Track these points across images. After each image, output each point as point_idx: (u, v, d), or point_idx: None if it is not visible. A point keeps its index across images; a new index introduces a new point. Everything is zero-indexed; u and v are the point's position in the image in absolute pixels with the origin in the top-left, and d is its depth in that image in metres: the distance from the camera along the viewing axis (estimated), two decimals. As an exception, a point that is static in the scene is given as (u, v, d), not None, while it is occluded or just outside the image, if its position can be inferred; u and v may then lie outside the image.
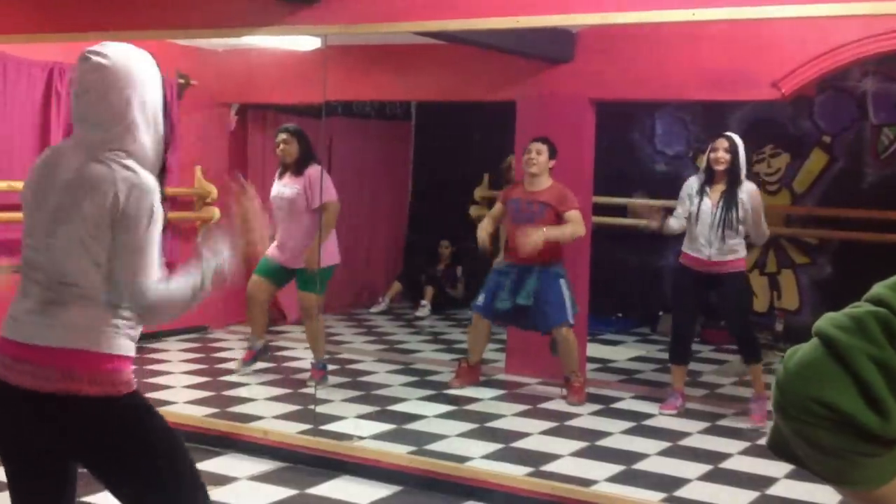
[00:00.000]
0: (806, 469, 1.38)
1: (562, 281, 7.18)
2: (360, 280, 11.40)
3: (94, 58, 2.79)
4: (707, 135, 10.34)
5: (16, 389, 2.77)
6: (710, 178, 6.95)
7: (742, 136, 10.01)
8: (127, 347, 2.83)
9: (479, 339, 7.62)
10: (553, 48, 7.58)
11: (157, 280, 2.76)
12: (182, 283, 2.79)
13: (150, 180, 2.76)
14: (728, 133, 7.10)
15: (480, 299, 7.44)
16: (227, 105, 9.75)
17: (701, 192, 6.95)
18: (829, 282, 9.79)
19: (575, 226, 7.11)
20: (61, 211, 2.77)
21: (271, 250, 7.33)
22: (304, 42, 7.73)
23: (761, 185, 9.91)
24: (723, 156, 6.86)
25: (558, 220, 7.14)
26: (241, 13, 6.06)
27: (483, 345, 7.69)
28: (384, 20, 5.59)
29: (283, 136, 7.47)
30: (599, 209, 9.40)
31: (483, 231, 7.50)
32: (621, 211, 10.34)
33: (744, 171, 6.90)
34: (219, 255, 2.86)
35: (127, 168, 2.75)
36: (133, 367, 2.86)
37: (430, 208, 11.62)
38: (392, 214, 11.81)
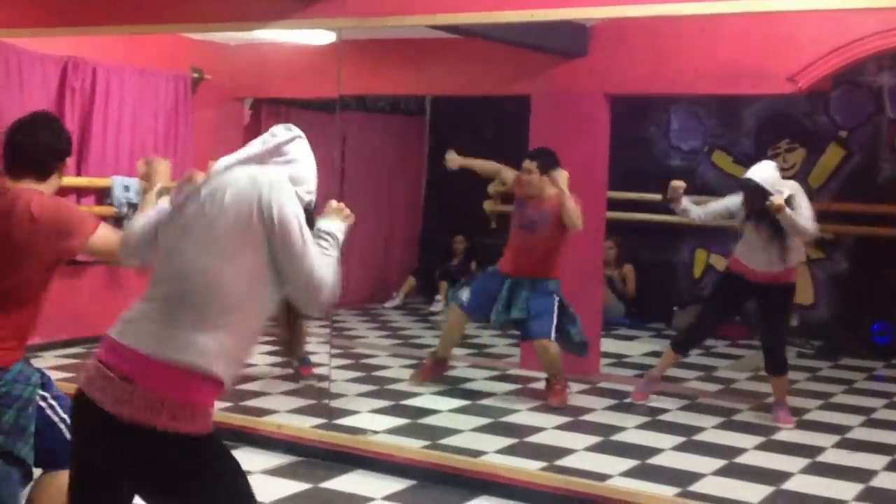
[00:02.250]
0: None
1: (554, 297, 7.03)
2: (375, 275, 11.40)
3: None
4: (722, 129, 10.35)
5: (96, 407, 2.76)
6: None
7: (757, 131, 10.12)
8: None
9: (454, 334, 7.50)
10: (567, 42, 7.56)
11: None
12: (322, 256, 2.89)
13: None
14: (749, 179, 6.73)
15: (465, 296, 7.33)
16: (240, 99, 9.76)
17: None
18: (845, 277, 9.74)
19: (575, 211, 6.90)
20: None
21: None
22: (318, 36, 7.72)
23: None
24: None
25: (560, 232, 7.03)
26: (253, 7, 6.07)
27: (456, 341, 7.58)
28: (397, 13, 5.58)
29: None
30: (614, 204, 9.38)
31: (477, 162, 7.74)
32: (636, 206, 10.34)
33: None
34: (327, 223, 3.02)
35: None
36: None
37: (445, 203, 11.60)
38: (406, 210, 11.80)
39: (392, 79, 8.91)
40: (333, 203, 3.10)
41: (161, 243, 2.94)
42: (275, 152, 2.95)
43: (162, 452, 2.74)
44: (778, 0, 4.97)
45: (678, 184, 7.00)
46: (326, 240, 2.95)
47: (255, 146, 2.99)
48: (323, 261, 2.85)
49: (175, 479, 2.77)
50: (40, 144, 3.76)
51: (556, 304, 7.02)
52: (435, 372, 7.55)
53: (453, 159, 7.75)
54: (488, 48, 7.59)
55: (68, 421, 3.54)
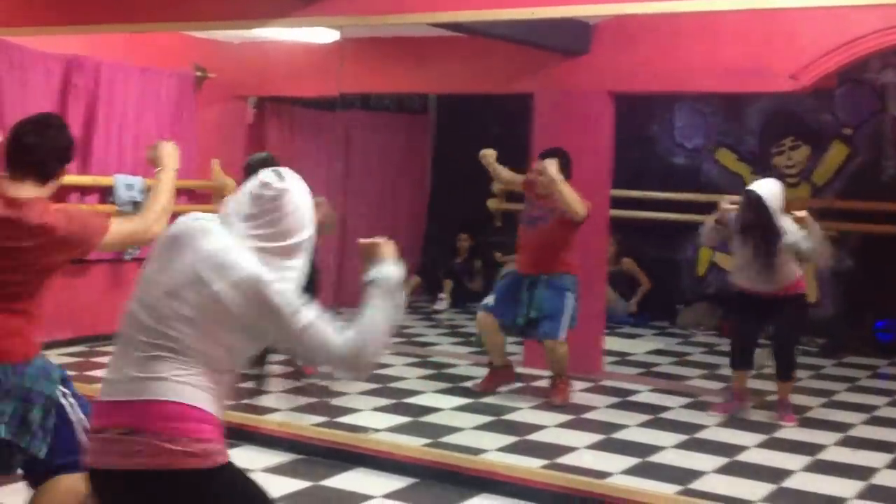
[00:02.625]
0: None
1: (568, 294, 6.97)
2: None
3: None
4: (727, 127, 10.33)
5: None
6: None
7: (762, 129, 10.11)
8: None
9: (494, 338, 7.32)
10: (570, 40, 7.56)
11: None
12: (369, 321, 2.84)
13: None
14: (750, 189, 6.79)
15: (491, 300, 7.31)
16: (244, 98, 9.76)
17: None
18: (849, 274, 9.71)
19: (571, 195, 6.81)
20: None
21: None
22: (321, 34, 7.72)
23: (781, 177, 9.89)
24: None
25: (562, 226, 6.96)
26: (255, 5, 6.07)
27: (500, 343, 7.36)
28: (398, 11, 5.58)
29: None
30: (618, 202, 9.37)
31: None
32: (640, 204, 10.33)
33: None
34: (381, 270, 3.00)
35: None
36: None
37: (449, 201, 11.59)
38: (411, 208, 11.79)
39: (395, 77, 8.90)
40: (376, 242, 3.12)
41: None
42: (265, 214, 2.87)
43: (185, 492, 2.74)
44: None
45: (727, 206, 6.90)
46: (378, 292, 2.91)
47: (246, 206, 2.89)
48: (362, 329, 2.82)
49: None
50: (47, 146, 3.75)
51: (570, 302, 6.97)
52: (500, 380, 7.39)
53: (488, 153, 7.61)
54: (491, 46, 7.59)
55: (85, 422, 3.55)
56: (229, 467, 2.82)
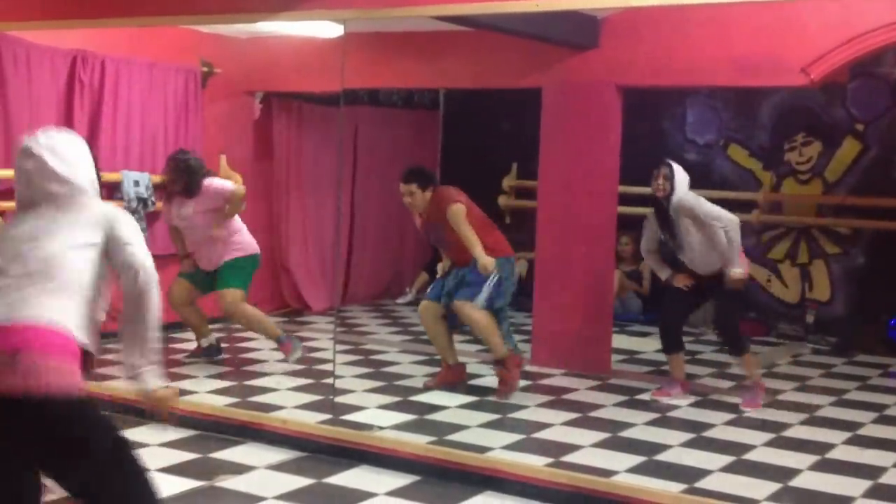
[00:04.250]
0: None
1: (491, 276, 6.91)
2: (388, 271, 11.36)
3: None
4: (738, 123, 10.26)
5: None
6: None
7: (774, 124, 10.01)
8: None
9: (434, 328, 7.25)
10: (578, 34, 7.50)
11: None
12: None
13: None
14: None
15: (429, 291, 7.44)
16: (251, 93, 9.73)
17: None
18: (862, 272, 9.63)
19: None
20: None
21: (189, 266, 7.69)
22: (328, 29, 7.68)
23: (793, 173, 9.83)
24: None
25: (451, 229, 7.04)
26: (259, -2, 6.04)
27: (443, 331, 7.26)
28: (401, 4, 5.54)
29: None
30: (629, 199, 9.30)
31: None
32: (648, 201, 10.24)
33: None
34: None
35: None
36: None
37: (458, 198, 11.53)
38: (419, 204, 11.74)
39: (402, 72, 8.86)
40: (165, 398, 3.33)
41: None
42: None
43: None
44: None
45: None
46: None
47: None
48: None
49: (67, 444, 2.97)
50: None
51: (493, 280, 6.90)
52: (448, 379, 7.32)
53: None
54: (498, 41, 7.53)
55: None
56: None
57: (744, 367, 7.15)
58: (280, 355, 7.74)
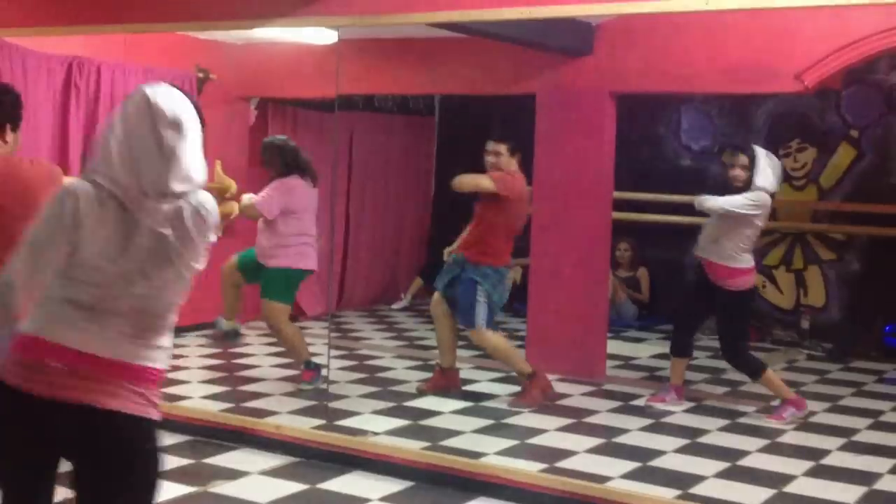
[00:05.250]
0: None
1: (478, 287, 6.89)
2: (383, 276, 11.35)
3: None
4: (733, 129, 10.27)
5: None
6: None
7: (768, 131, 10.02)
8: None
9: (443, 327, 7.24)
10: (571, 41, 7.51)
11: None
12: None
13: None
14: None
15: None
16: (246, 99, 9.73)
17: None
18: (857, 278, 9.65)
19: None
20: None
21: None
22: (324, 36, 7.69)
23: (788, 179, 9.83)
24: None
25: (490, 207, 6.97)
26: (254, 5, 6.03)
27: (450, 335, 7.26)
28: (395, 11, 5.54)
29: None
30: (625, 205, 9.33)
31: None
32: (644, 207, 10.27)
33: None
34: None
35: None
36: None
37: (454, 203, 11.51)
38: (415, 210, 11.76)
39: (397, 78, 8.86)
40: None
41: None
42: None
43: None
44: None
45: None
46: None
47: None
48: None
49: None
50: None
51: (481, 292, 6.89)
52: (443, 383, 7.29)
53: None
54: (492, 47, 7.54)
55: None
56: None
57: (768, 388, 6.96)
58: (274, 360, 7.76)
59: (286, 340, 7.40)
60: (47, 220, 2.79)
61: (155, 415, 2.85)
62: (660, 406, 7.05)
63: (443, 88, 9.61)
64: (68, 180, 3.84)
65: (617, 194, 8.24)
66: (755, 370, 6.90)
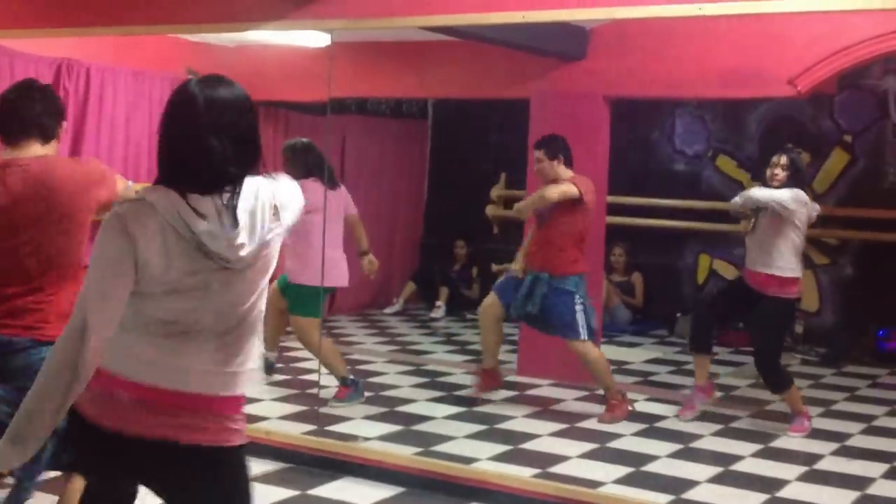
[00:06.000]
0: None
1: (572, 295, 6.74)
2: (376, 281, 11.30)
3: None
4: (727, 134, 10.27)
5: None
6: None
7: (762, 136, 10.02)
8: None
9: (491, 331, 7.10)
10: (566, 45, 7.49)
11: None
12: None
13: None
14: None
15: (499, 282, 7.21)
16: (239, 102, 9.67)
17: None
18: (850, 283, 9.64)
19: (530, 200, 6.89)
20: None
21: None
22: (316, 39, 7.65)
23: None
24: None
25: (563, 218, 6.77)
26: (246, 8, 6.00)
27: (497, 339, 7.18)
28: (388, 14, 5.51)
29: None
30: (619, 209, 9.31)
31: None
32: (639, 211, 10.26)
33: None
34: None
35: None
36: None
37: (447, 208, 11.53)
38: (407, 214, 11.72)
39: (389, 81, 8.84)
40: None
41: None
42: None
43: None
44: (769, 2, 4.87)
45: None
46: None
47: None
48: None
49: None
50: (39, 110, 3.98)
51: (578, 302, 6.75)
52: (490, 384, 7.23)
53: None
54: (486, 51, 7.52)
55: None
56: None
57: (788, 404, 6.83)
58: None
59: (322, 357, 6.96)
60: (103, 245, 2.59)
61: (240, 440, 2.75)
62: (690, 416, 6.89)
63: (436, 92, 9.59)
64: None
65: (611, 199, 8.22)
66: (785, 385, 6.73)
